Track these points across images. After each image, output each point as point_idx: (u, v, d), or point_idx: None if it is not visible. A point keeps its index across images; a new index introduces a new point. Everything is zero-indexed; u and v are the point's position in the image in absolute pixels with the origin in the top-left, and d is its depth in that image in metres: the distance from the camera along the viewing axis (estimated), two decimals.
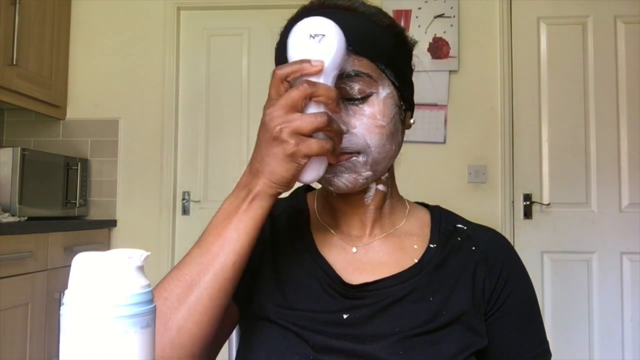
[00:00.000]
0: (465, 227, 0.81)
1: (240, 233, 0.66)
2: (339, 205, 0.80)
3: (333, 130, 0.64)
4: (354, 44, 0.70)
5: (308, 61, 0.63)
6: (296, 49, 0.64)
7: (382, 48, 0.73)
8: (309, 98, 0.62)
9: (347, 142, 0.70)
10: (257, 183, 0.65)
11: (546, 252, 2.76)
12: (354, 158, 0.71)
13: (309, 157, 0.63)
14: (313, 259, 0.77)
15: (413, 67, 0.80)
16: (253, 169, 0.66)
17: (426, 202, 0.87)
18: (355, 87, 0.71)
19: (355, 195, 0.77)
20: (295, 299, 0.74)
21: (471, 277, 0.76)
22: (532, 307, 0.80)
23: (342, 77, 0.69)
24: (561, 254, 2.78)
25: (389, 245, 0.78)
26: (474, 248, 0.78)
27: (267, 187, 0.65)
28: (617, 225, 2.76)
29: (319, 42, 0.63)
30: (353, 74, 0.70)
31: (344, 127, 0.69)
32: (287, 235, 0.80)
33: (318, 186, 0.80)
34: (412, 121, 0.80)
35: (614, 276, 2.74)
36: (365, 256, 0.77)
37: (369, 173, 0.72)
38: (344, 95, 0.70)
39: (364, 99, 0.71)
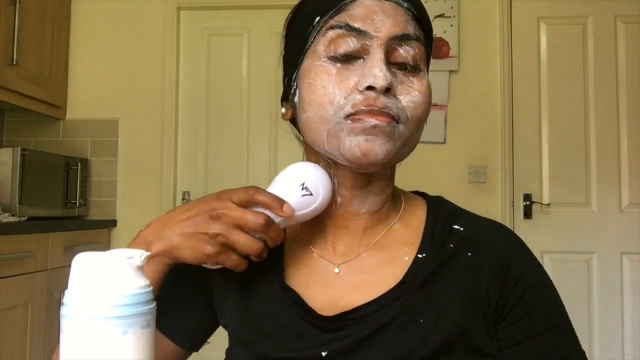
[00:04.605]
0: (462, 229, 0.69)
1: None
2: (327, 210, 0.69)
3: (270, 234, 0.62)
4: (419, 11, 0.66)
5: (283, 203, 0.62)
6: (282, 185, 0.65)
7: (430, 32, 0.69)
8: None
9: (394, 108, 0.62)
10: (157, 245, 0.64)
11: (546, 252, 2.76)
12: (394, 124, 0.62)
13: (228, 247, 0.62)
14: (282, 290, 0.68)
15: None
16: (162, 232, 0.64)
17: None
18: (411, 53, 0.64)
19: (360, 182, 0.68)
20: (267, 343, 0.67)
21: (471, 288, 0.64)
22: (553, 310, 0.67)
23: (400, 39, 0.63)
24: (561, 254, 2.77)
25: (376, 257, 0.68)
26: (470, 254, 0.66)
27: (165, 254, 0.64)
28: (617, 225, 2.75)
29: (302, 197, 0.64)
30: (414, 36, 0.64)
31: (386, 83, 0.61)
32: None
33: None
34: None
35: (614, 276, 2.74)
36: (348, 275, 0.67)
37: (399, 147, 0.63)
38: (396, 59, 0.64)
39: (415, 71, 0.65)
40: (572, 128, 2.81)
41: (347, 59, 0.63)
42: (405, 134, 0.63)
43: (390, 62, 0.63)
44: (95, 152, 2.95)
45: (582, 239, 2.78)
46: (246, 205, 0.63)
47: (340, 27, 0.63)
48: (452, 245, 0.67)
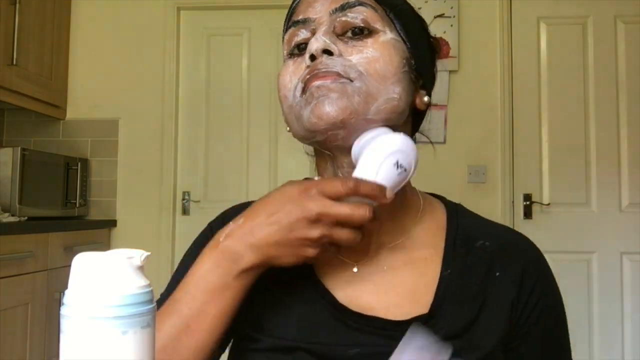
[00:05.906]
0: (487, 243, 0.69)
1: (224, 312, 0.60)
2: None
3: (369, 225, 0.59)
4: None
5: (384, 190, 0.59)
6: (375, 165, 0.60)
7: None
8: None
9: (338, 65, 0.62)
10: (250, 257, 0.59)
11: (546, 252, 2.69)
12: (343, 80, 0.62)
13: (332, 245, 0.59)
14: (312, 287, 0.67)
15: (432, 41, 0.72)
16: (250, 242, 0.59)
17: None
18: (359, 17, 0.65)
19: None
20: (297, 336, 0.64)
21: (498, 307, 0.65)
22: (562, 336, 0.71)
23: (342, 9, 0.65)
24: (561, 254, 2.77)
25: (395, 258, 0.68)
26: (498, 274, 0.67)
27: (262, 266, 0.60)
28: (617, 225, 2.75)
29: (398, 175, 0.61)
30: (356, 3, 0.65)
31: (336, 49, 0.63)
32: None
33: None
34: (425, 99, 0.71)
35: (614, 276, 2.74)
36: (366, 274, 0.67)
37: (361, 104, 0.61)
38: (344, 28, 0.65)
39: (368, 34, 0.65)
40: (572, 128, 2.81)
41: (303, 49, 0.67)
42: (364, 88, 0.62)
43: (341, 34, 0.65)
44: (95, 152, 2.95)
45: (582, 239, 2.78)
46: (344, 198, 0.59)
47: (290, 27, 0.69)
48: (480, 264, 0.67)
